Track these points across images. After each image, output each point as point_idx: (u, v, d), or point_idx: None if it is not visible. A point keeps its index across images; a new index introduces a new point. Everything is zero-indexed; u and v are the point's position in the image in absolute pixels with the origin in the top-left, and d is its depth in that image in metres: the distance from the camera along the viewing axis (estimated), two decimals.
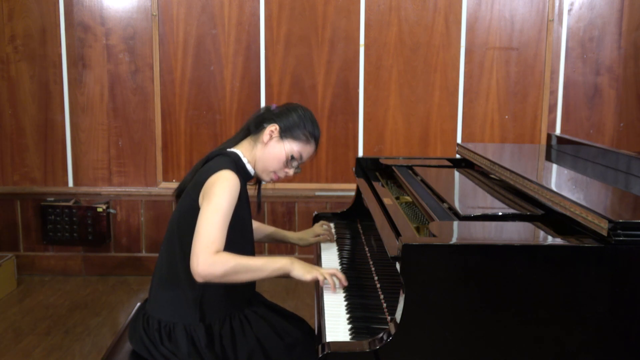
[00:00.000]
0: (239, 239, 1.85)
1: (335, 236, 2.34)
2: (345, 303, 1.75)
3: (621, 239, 1.34)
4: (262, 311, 1.94)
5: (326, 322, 1.63)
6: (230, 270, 1.71)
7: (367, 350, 1.39)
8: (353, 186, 2.79)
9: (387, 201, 2.00)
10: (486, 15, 3.91)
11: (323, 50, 3.94)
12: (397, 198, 2.13)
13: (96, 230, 4.02)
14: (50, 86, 4.00)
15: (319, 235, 2.31)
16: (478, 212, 1.68)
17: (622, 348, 1.39)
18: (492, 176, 2.17)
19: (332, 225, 2.50)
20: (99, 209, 4.00)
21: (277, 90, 3.97)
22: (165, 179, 4.07)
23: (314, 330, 2.00)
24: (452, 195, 2.05)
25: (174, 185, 3.96)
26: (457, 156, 2.65)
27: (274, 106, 1.99)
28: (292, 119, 1.93)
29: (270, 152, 1.92)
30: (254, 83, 3.98)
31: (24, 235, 4.13)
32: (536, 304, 1.37)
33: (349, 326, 1.62)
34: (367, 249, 2.17)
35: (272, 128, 1.91)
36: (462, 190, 2.12)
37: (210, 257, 1.70)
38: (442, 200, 1.84)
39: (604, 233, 1.36)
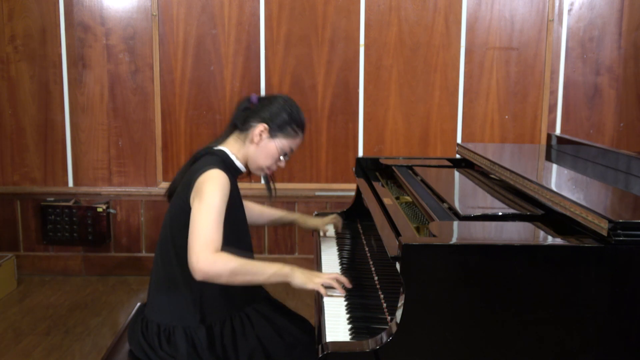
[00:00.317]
0: (233, 239, 1.83)
1: (331, 232, 2.35)
2: (345, 303, 1.75)
3: (621, 239, 1.34)
4: (264, 309, 1.93)
5: (326, 322, 1.63)
6: (231, 271, 1.71)
7: (367, 350, 1.39)
8: (353, 186, 2.79)
9: (387, 201, 2.00)
10: (486, 15, 3.91)
11: (323, 50, 3.94)
12: (397, 198, 2.13)
13: (96, 230, 4.02)
14: (50, 86, 4.00)
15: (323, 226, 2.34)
16: (478, 212, 1.68)
17: (622, 348, 1.39)
18: (492, 176, 2.17)
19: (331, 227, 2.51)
20: (99, 209, 4.00)
21: (277, 90, 3.97)
22: (165, 179, 4.07)
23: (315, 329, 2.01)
24: (452, 195, 2.05)
25: None
26: (457, 156, 2.65)
27: (254, 97, 1.96)
28: (279, 116, 1.91)
29: (262, 151, 1.92)
30: (254, 83, 3.98)
31: (24, 235, 4.13)
32: (536, 304, 1.37)
33: (349, 326, 1.62)
34: (367, 249, 2.17)
35: (262, 128, 1.90)
36: (462, 190, 2.11)
37: (210, 256, 1.70)
38: (442, 200, 1.84)
39: (604, 233, 1.36)
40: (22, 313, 3.53)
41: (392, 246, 1.55)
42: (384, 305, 1.72)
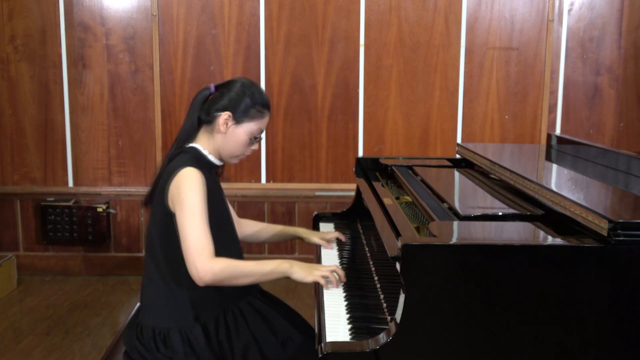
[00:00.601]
0: (220, 235, 1.83)
1: (334, 246, 2.30)
2: (345, 303, 1.75)
3: (621, 239, 1.34)
4: (257, 304, 1.93)
5: (326, 322, 1.63)
6: (231, 275, 1.75)
7: (367, 350, 1.39)
8: (353, 186, 2.79)
9: (387, 201, 2.00)
10: (486, 15, 3.92)
11: (323, 50, 3.94)
12: (397, 198, 2.13)
13: (96, 230, 4.02)
14: (50, 86, 4.00)
15: (324, 240, 2.28)
16: (478, 212, 1.68)
17: (622, 348, 1.39)
18: (492, 176, 2.17)
19: (332, 226, 2.51)
20: (99, 209, 4.00)
21: (277, 90, 3.97)
22: None
23: (308, 325, 2.02)
24: (452, 195, 2.05)
25: None
26: (457, 156, 2.65)
27: (212, 87, 1.92)
28: (240, 100, 1.87)
29: (231, 139, 1.89)
30: None
31: (24, 235, 4.13)
32: (536, 304, 1.37)
33: (349, 326, 1.62)
34: (367, 249, 2.17)
35: (225, 117, 1.86)
36: (462, 190, 2.11)
37: (208, 263, 1.72)
38: (442, 200, 1.84)
39: (604, 233, 1.36)
40: (22, 313, 3.53)
41: (392, 246, 1.55)
42: (384, 305, 1.72)
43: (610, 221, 1.35)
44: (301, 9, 3.91)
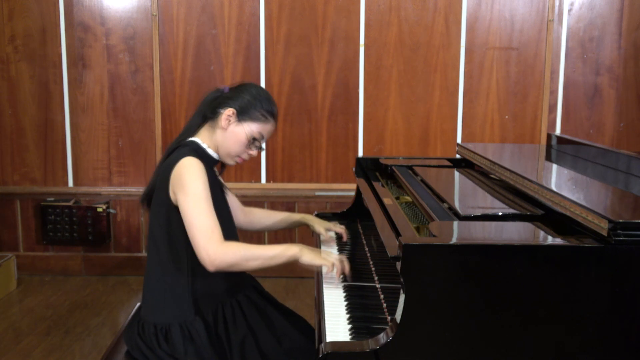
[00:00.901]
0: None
1: (334, 237, 2.32)
2: (345, 303, 1.75)
3: (621, 239, 1.34)
4: (254, 296, 1.95)
5: (326, 322, 1.63)
6: (242, 258, 1.75)
7: (367, 350, 1.39)
8: (353, 186, 2.79)
9: (387, 201, 2.00)
10: (486, 15, 3.92)
11: (323, 50, 3.94)
12: (397, 198, 2.13)
13: (96, 230, 4.02)
14: (50, 86, 4.00)
15: (326, 231, 2.28)
16: (478, 212, 1.68)
17: (622, 348, 1.39)
18: (492, 176, 2.17)
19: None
20: (99, 209, 4.00)
21: (277, 90, 3.97)
22: None
23: (305, 321, 2.02)
24: (452, 195, 2.05)
25: None
26: (457, 156, 2.65)
27: (226, 88, 1.96)
28: (246, 100, 1.90)
29: (230, 136, 1.90)
30: None
31: (24, 235, 4.13)
32: (536, 304, 1.37)
33: (349, 326, 1.62)
34: (367, 249, 2.17)
35: (229, 112, 1.89)
36: (462, 190, 2.11)
37: (219, 247, 1.73)
38: (442, 200, 1.84)
39: (604, 233, 1.36)
40: (22, 313, 3.53)
41: (392, 246, 1.55)
42: (384, 305, 1.72)
43: (610, 221, 1.35)
44: (301, 9, 3.91)
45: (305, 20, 3.92)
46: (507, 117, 3.99)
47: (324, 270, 1.85)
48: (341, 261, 1.84)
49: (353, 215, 2.55)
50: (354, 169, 2.65)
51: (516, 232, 1.52)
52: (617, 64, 3.93)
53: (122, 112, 4.03)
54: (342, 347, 1.42)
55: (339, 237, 2.30)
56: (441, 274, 1.38)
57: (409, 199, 2.11)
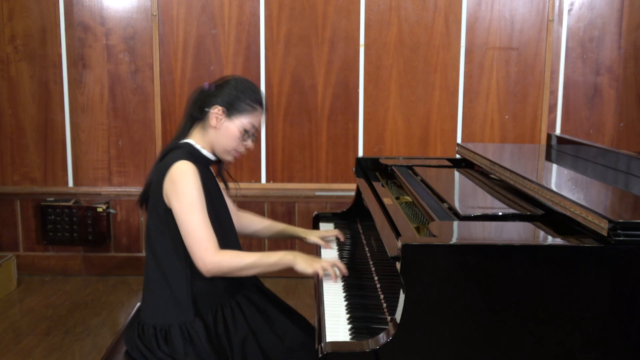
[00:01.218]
0: (217, 230, 1.84)
1: (333, 244, 2.28)
2: (345, 303, 1.75)
3: (621, 239, 1.34)
4: (254, 297, 1.95)
5: (326, 322, 1.63)
6: (237, 267, 1.80)
7: (367, 350, 1.39)
8: (353, 186, 2.79)
9: (387, 201, 2.00)
10: (486, 15, 3.92)
11: (323, 50, 3.94)
12: (397, 198, 2.13)
13: (96, 230, 4.02)
14: (50, 86, 4.00)
15: (324, 239, 2.27)
16: (478, 212, 1.68)
17: (622, 348, 1.39)
18: (492, 176, 2.17)
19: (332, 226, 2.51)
20: (99, 209, 4.00)
21: (277, 91, 3.97)
22: None
23: (305, 320, 2.02)
24: (452, 195, 2.05)
25: None
26: (457, 156, 2.65)
27: (207, 85, 1.96)
28: (231, 94, 1.90)
29: (222, 133, 1.91)
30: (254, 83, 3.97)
31: (24, 235, 4.13)
32: (536, 304, 1.37)
33: (349, 326, 1.62)
34: (367, 249, 2.17)
35: (217, 110, 1.89)
36: (462, 190, 2.11)
37: (214, 257, 1.76)
38: (442, 200, 1.84)
39: (604, 233, 1.36)
40: (22, 313, 3.53)
41: (392, 246, 1.55)
42: (384, 305, 1.72)
43: (610, 221, 1.35)
44: (301, 9, 3.91)
45: (305, 20, 3.92)
46: (507, 117, 3.99)
47: (321, 273, 1.86)
48: (333, 266, 1.86)
49: (353, 215, 2.55)
50: (354, 169, 2.65)
51: (516, 232, 1.52)
52: (617, 64, 3.93)
53: (122, 112, 4.03)
54: (342, 347, 1.42)
55: (338, 238, 2.29)
56: (441, 274, 1.38)
57: (409, 199, 2.11)
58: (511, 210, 1.67)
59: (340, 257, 2.20)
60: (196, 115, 1.93)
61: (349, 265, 2.11)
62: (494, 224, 1.61)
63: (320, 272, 1.84)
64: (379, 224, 1.83)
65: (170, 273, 1.84)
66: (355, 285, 1.86)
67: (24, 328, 3.32)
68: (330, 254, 2.23)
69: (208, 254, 1.77)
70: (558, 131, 4.01)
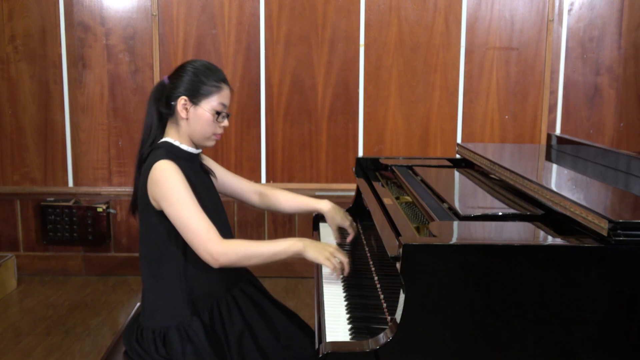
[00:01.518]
0: None
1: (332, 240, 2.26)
2: (345, 303, 1.75)
3: (621, 239, 1.34)
4: (250, 290, 1.94)
5: (326, 322, 1.63)
6: (244, 256, 1.77)
7: (367, 350, 1.39)
8: (353, 186, 2.79)
9: (387, 201, 2.00)
10: (486, 15, 3.91)
11: (323, 50, 3.94)
12: (397, 198, 2.13)
13: (96, 230, 4.02)
14: (50, 86, 4.00)
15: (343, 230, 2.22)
16: (478, 212, 1.68)
17: (622, 348, 1.39)
18: (492, 176, 2.17)
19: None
20: (99, 209, 4.00)
21: (277, 91, 3.97)
22: None
23: (300, 319, 2.02)
24: (452, 195, 2.05)
25: None
26: (457, 156, 2.65)
27: (165, 79, 1.92)
28: (192, 81, 1.86)
29: (195, 122, 1.87)
30: (254, 83, 3.98)
31: (24, 235, 4.13)
32: (536, 304, 1.37)
33: (349, 326, 1.62)
34: (367, 249, 2.17)
35: (182, 101, 1.85)
36: (462, 190, 2.11)
37: (220, 246, 1.74)
38: (442, 200, 1.84)
39: (604, 233, 1.36)
40: (22, 313, 3.53)
41: (392, 246, 1.55)
42: (384, 305, 1.72)
43: (610, 221, 1.35)
44: (301, 9, 3.91)
45: (305, 20, 3.92)
46: (507, 117, 3.99)
47: (325, 271, 1.85)
48: (343, 263, 1.85)
49: (353, 215, 2.54)
50: (354, 169, 2.65)
51: (516, 232, 1.52)
52: (617, 64, 3.93)
53: (122, 112, 4.03)
54: (342, 347, 1.42)
55: (343, 233, 2.24)
56: (441, 274, 1.38)
57: (409, 199, 2.11)
58: (511, 210, 1.67)
59: None
60: (165, 111, 1.89)
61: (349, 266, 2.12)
62: (494, 224, 1.61)
63: (329, 265, 1.81)
64: (379, 224, 1.83)
65: (164, 275, 1.83)
66: (355, 285, 1.86)
67: (24, 328, 3.32)
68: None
69: (212, 244, 1.73)
70: (558, 131, 4.01)
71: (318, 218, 2.58)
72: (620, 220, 1.35)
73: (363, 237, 2.30)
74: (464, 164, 2.54)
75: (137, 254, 4.11)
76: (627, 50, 3.91)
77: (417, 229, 1.76)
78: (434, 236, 1.46)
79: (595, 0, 3.89)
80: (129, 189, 4.08)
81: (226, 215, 2.02)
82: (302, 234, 4.06)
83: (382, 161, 2.57)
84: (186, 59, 3.93)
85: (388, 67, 3.96)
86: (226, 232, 1.94)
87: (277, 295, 2.13)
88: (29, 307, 3.61)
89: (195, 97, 1.86)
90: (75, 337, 3.22)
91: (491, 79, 3.97)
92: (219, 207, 1.99)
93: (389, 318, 1.64)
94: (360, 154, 4.04)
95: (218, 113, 1.88)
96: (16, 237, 4.13)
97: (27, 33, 3.95)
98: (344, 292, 1.82)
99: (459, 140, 4.02)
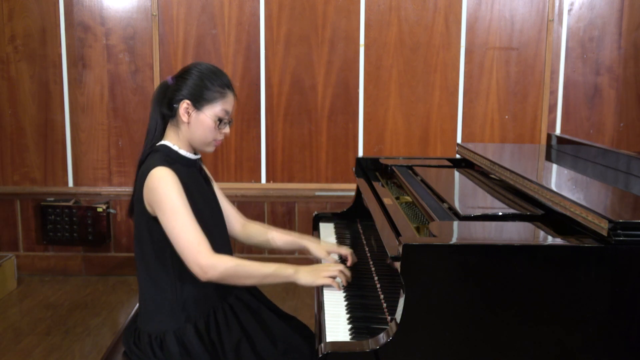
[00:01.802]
0: (204, 232, 1.78)
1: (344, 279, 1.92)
2: (345, 303, 1.75)
3: (621, 239, 1.34)
4: (246, 297, 1.92)
5: (326, 322, 1.63)
6: (235, 274, 1.74)
7: (367, 350, 1.39)
8: (353, 186, 2.79)
9: (387, 201, 2.00)
10: (486, 15, 3.91)
11: (323, 50, 3.94)
12: (397, 198, 2.13)
13: (96, 230, 4.02)
14: (50, 86, 4.00)
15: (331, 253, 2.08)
16: (478, 212, 1.68)
17: (622, 348, 1.39)
18: (492, 176, 2.17)
19: (333, 225, 2.51)
20: (99, 209, 4.00)
21: (277, 91, 3.97)
22: None
23: (298, 320, 2.01)
24: (452, 195, 2.05)
25: None
26: (457, 156, 2.65)
27: (169, 80, 1.88)
28: (197, 85, 1.81)
29: (196, 127, 1.82)
30: (254, 83, 3.98)
31: (24, 235, 4.13)
32: (536, 304, 1.37)
33: (349, 326, 1.62)
34: (367, 249, 2.17)
35: (184, 105, 1.81)
36: (462, 190, 2.11)
37: (210, 259, 1.71)
38: (442, 200, 1.84)
39: (604, 233, 1.36)
40: (22, 313, 3.53)
41: (392, 246, 1.55)
42: (384, 305, 1.72)
43: (610, 221, 1.35)
44: (301, 9, 3.91)
45: (305, 20, 3.92)
46: (507, 117, 3.99)
47: (334, 284, 1.80)
48: (341, 272, 1.82)
49: (353, 215, 2.55)
50: (354, 169, 2.65)
51: (516, 232, 1.52)
52: (617, 64, 3.93)
53: (122, 112, 4.03)
54: (342, 347, 1.42)
55: (342, 260, 2.08)
56: (441, 274, 1.38)
57: (409, 199, 2.11)
58: (511, 210, 1.67)
59: (341, 257, 2.19)
60: (166, 112, 1.85)
61: (349, 266, 2.11)
62: (494, 224, 1.61)
63: (332, 283, 1.78)
64: (379, 224, 1.83)
65: (160, 280, 1.82)
66: (355, 285, 1.86)
67: (24, 328, 3.32)
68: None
69: (202, 257, 1.70)
70: (558, 131, 4.01)
71: (318, 218, 2.58)
72: (620, 220, 1.35)
73: (363, 237, 2.30)
74: (464, 164, 2.54)
75: None
76: (627, 50, 3.91)
77: (417, 229, 1.76)
78: (434, 236, 1.46)
79: (595, 0, 3.89)
80: (129, 189, 4.08)
81: (225, 226, 1.99)
82: (303, 232, 4.06)
83: (382, 161, 2.57)
84: (186, 59, 3.97)
85: (388, 67, 3.96)
86: (224, 244, 1.92)
87: (277, 295, 2.13)
88: (29, 307, 3.61)
89: (198, 101, 1.82)
90: (75, 337, 3.22)
91: (491, 79, 3.97)
92: (217, 216, 1.95)
93: (389, 318, 1.64)
94: (360, 154, 4.04)
95: (220, 120, 1.84)
96: (16, 237, 4.13)
97: (27, 33, 3.95)
98: (344, 292, 1.82)
99: (459, 140, 4.02)
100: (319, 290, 1.83)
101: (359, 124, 4.01)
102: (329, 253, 2.04)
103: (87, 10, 3.94)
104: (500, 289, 1.37)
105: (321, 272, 1.81)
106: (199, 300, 1.82)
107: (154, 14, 3.92)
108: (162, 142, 1.87)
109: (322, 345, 1.45)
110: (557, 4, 3.89)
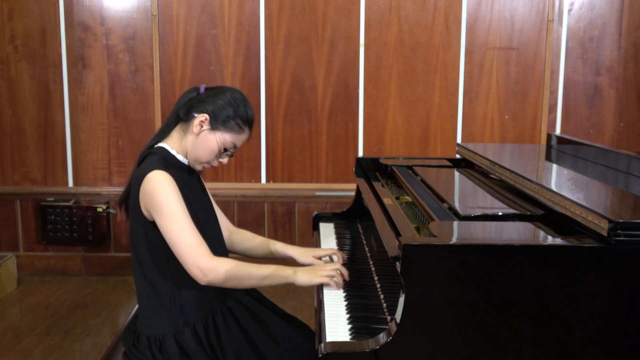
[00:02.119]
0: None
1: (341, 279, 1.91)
2: (345, 303, 1.75)
3: (621, 239, 1.34)
4: (245, 299, 1.91)
5: (326, 322, 1.63)
6: (235, 276, 1.73)
7: (367, 350, 1.39)
8: (353, 186, 2.79)
9: (387, 201, 2.00)
10: (486, 15, 3.92)
11: (323, 50, 3.94)
12: (397, 198, 2.13)
13: (96, 230, 4.02)
14: (50, 86, 4.00)
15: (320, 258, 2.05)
16: (478, 212, 1.68)
17: (622, 348, 1.39)
18: (492, 176, 2.17)
19: (332, 226, 2.51)
20: (99, 209, 4.00)
21: (277, 91, 3.97)
22: None
23: (299, 320, 2.01)
24: (452, 195, 2.05)
25: None
26: (457, 156, 2.65)
27: (201, 88, 1.86)
28: (223, 108, 1.79)
29: (201, 144, 1.80)
30: (254, 83, 3.98)
31: (24, 235, 4.13)
32: (536, 304, 1.37)
33: (349, 326, 1.62)
34: (367, 249, 2.17)
35: (202, 118, 1.79)
36: (462, 190, 2.11)
37: (209, 261, 1.70)
38: (442, 200, 1.84)
39: (604, 233, 1.36)
40: (22, 313, 3.53)
41: (392, 246, 1.55)
42: (384, 305, 1.72)
43: (610, 221, 1.35)
44: (301, 9, 3.91)
45: (305, 20, 3.92)
46: (507, 117, 3.99)
47: (332, 283, 1.81)
48: (337, 270, 1.82)
49: (353, 215, 2.55)
50: (354, 169, 2.65)
51: (516, 232, 1.52)
52: (617, 64, 3.93)
53: (122, 112, 4.03)
54: (342, 347, 1.42)
55: (338, 237, 2.27)
56: (441, 274, 1.38)
57: (409, 199, 2.11)
58: (511, 210, 1.67)
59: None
60: (182, 115, 1.83)
61: (349, 266, 2.11)
62: (494, 224, 1.61)
63: (330, 282, 1.79)
64: (379, 224, 1.83)
65: (157, 283, 1.81)
66: (355, 285, 1.86)
67: (24, 328, 3.32)
68: (330, 245, 2.24)
69: (201, 260, 1.69)
70: (558, 131, 4.01)
71: (318, 218, 2.58)
72: (620, 220, 1.35)
73: (363, 237, 2.30)
74: (464, 164, 2.54)
75: None
76: (627, 50, 3.91)
77: (417, 229, 1.76)
78: (434, 236, 1.46)
79: (595, 0, 3.89)
80: None
81: (221, 232, 1.98)
82: (302, 234, 4.07)
83: (382, 161, 2.57)
84: (186, 59, 3.97)
85: (388, 67, 3.96)
86: (220, 249, 1.91)
87: (277, 295, 2.13)
88: (29, 307, 3.61)
89: (216, 122, 1.80)
90: (75, 337, 3.22)
91: (491, 79, 3.97)
92: (212, 221, 1.94)
93: (389, 318, 1.64)
94: (360, 154, 4.04)
95: (225, 149, 1.83)
96: (16, 237, 4.13)
97: (27, 33, 3.95)
98: (344, 292, 1.82)
99: (459, 140, 4.02)
100: (318, 290, 1.83)
101: (359, 124, 4.02)
102: (316, 257, 2.01)
103: (87, 10, 3.94)
104: (500, 288, 1.37)
105: (318, 271, 1.81)
106: (197, 303, 1.81)
107: (154, 14, 3.92)
108: (161, 145, 1.86)
109: (322, 345, 1.45)
110: (557, 4, 3.89)
